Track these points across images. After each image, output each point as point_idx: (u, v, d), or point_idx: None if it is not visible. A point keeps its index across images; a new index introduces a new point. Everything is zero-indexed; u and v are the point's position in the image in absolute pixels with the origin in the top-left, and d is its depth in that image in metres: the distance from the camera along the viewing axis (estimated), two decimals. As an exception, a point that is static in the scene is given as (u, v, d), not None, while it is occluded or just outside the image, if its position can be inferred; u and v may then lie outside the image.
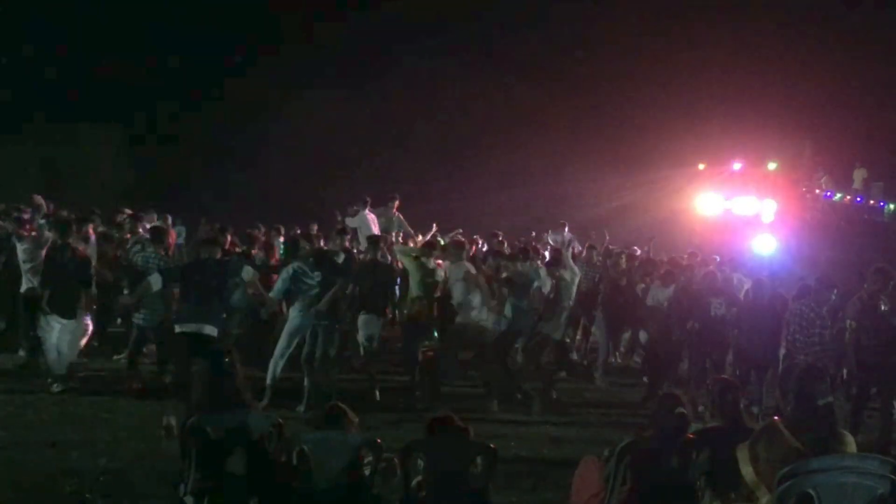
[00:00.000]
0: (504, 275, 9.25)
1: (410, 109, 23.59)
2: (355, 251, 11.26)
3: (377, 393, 8.58)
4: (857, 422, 7.62)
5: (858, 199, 20.58)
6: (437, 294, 9.19)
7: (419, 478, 4.21)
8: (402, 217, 14.06)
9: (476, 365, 9.20)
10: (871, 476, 3.67)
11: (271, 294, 8.09)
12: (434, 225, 12.37)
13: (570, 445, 7.19)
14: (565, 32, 24.76)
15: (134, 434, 6.80)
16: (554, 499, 5.66)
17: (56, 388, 7.98)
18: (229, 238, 11.13)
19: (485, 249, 12.79)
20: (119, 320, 10.42)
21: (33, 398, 7.75)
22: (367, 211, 13.40)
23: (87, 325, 8.45)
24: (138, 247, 9.09)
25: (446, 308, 9.05)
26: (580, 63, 24.36)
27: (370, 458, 4.22)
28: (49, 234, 8.48)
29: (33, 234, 8.79)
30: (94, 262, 8.64)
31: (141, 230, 10.39)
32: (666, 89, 22.80)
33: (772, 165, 19.55)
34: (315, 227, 12.53)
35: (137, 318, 8.22)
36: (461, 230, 12.20)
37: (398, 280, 10.42)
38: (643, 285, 10.45)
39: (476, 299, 8.59)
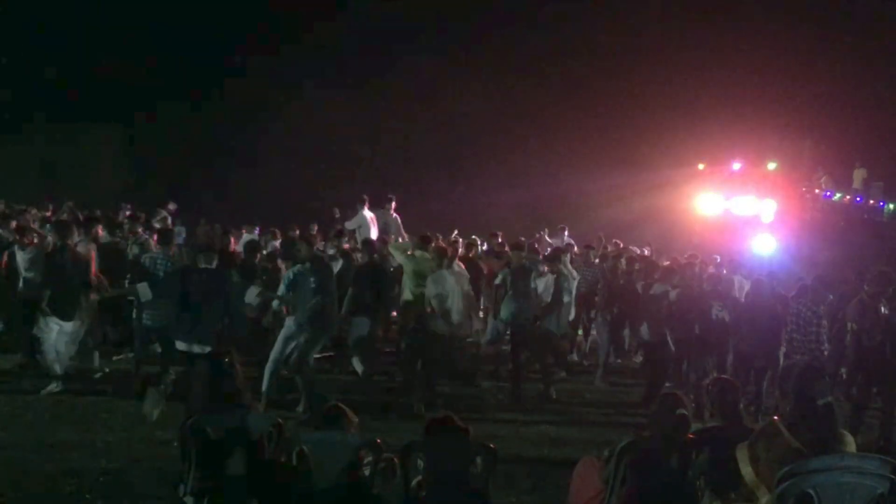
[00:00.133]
0: (499, 278, 9.26)
1: (410, 109, 23.59)
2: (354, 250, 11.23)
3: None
4: (858, 422, 7.63)
5: (858, 199, 20.59)
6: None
7: (419, 478, 4.21)
8: (399, 219, 14.04)
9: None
10: (871, 476, 3.67)
11: (277, 296, 8.08)
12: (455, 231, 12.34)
13: (570, 445, 7.19)
14: (565, 32, 24.74)
15: (134, 434, 6.80)
16: (554, 499, 5.66)
17: (55, 387, 7.98)
18: (233, 241, 11.14)
19: (484, 249, 12.80)
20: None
21: (33, 398, 7.75)
22: (365, 209, 13.38)
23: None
24: (137, 248, 9.10)
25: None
26: (580, 63, 24.35)
27: (370, 459, 4.22)
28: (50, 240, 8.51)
29: (35, 241, 8.83)
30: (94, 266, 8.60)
31: (140, 230, 10.40)
32: (666, 89, 22.80)
33: (771, 165, 19.57)
34: (315, 228, 12.56)
35: (145, 319, 8.21)
36: (457, 232, 12.25)
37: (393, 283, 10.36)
38: (642, 282, 10.44)
39: (455, 305, 8.52)
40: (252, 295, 7.81)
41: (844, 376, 8.62)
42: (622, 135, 22.59)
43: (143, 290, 7.30)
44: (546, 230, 14.78)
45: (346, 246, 10.91)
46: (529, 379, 9.38)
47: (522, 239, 11.17)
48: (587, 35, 24.14)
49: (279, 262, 9.48)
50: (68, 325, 8.02)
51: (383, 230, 13.23)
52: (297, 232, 11.59)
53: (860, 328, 7.68)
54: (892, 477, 3.66)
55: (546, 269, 9.61)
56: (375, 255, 9.38)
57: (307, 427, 5.95)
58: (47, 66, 22.66)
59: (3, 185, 16.63)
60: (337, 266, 9.43)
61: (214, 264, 7.42)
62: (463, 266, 9.44)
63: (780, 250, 14.98)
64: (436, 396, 8.41)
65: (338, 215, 13.72)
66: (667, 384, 8.88)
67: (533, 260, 9.49)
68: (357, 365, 8.86)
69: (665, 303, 9.06)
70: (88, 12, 22.64)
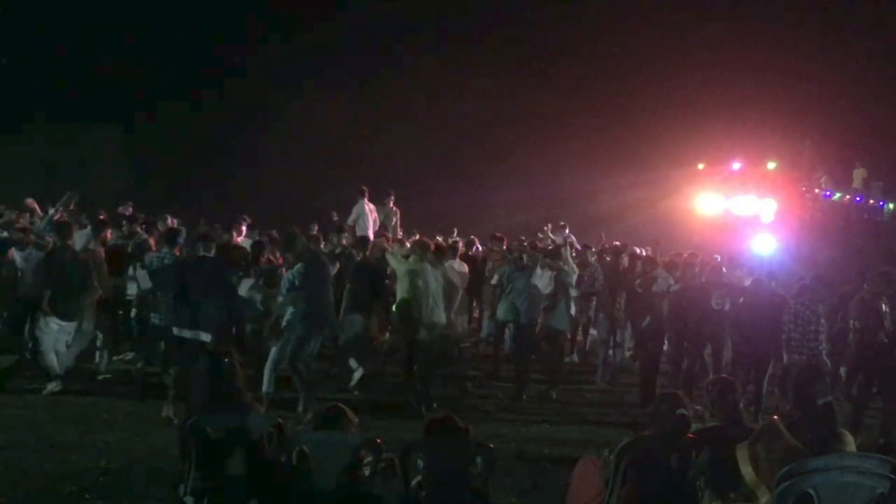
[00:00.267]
0: (496, 278, 9.26)
1: (410, 109, 23.59)
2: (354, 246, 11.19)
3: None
4: (858, 422, 7.63)
5: (858, 198, 20.58)
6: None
7: (419, 478, 4.20)
8: (398, 213, 13.99)
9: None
10: (871, 475, 3.67)
11: (280, 303, 8.07)
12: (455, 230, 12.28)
13: (570, 445, 7.19)
14: (565, 32, 24.75)
15: (134, 434, 6.81)
16: (554, 499, 5.65)
17: (54, 387, 7.97)
18: (235, 236, 11.13)
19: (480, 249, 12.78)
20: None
21: (33, 399, 7.75)
22: (365, 200, 13.31)
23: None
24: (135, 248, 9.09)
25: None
26: (580, 63, 24.35)
27: (370, 459, 4.21)
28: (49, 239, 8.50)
29: (35, 241, 8.82)
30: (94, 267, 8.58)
31: (139, 230, 10.39)
32: (666, 89, 22.79)
33: (771, 165, 19.55)
34: (315, 227, 12.53)
35: (154, 318, 8.19)
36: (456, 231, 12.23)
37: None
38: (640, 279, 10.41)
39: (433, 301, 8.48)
40: (246, 287, 7.78)
41: (844, 376, 8.63)
42: (622, 135, 22.58)
43: (143, 277, 7.29)
44: (549, 226, 14.79)
45: (345, 242, 10.88)
46: (531, 380, 9.39)
47: (522, 238, 11.18)
48: (587, 35, 24.13)
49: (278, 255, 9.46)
50: (68, 325, 8.03)
51: (383, 224, 13.21)
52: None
53: (862, 327, 7.70)
54: (892, 476, 3.65)
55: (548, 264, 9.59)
56: (371, 253, 9.35)
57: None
58: (47, 66, 22.63)
59: (3, 185, 16.60)
60: (335, 267, 9.40)
61: (213, 252, 7.43)
62: (466, 266, 9.43)
63: (780, 250, 14.97)
64: (434, 397, 8.41)
65: (335, 218, 13.70)
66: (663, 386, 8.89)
67: (533, 258, 9.48)
68: (353, 364, 8.85)
69: (666, 298, 9.07)
70: (88, 12, 22.63)
